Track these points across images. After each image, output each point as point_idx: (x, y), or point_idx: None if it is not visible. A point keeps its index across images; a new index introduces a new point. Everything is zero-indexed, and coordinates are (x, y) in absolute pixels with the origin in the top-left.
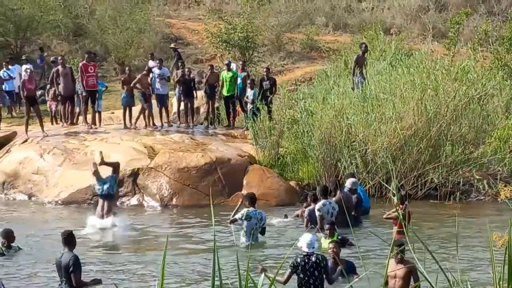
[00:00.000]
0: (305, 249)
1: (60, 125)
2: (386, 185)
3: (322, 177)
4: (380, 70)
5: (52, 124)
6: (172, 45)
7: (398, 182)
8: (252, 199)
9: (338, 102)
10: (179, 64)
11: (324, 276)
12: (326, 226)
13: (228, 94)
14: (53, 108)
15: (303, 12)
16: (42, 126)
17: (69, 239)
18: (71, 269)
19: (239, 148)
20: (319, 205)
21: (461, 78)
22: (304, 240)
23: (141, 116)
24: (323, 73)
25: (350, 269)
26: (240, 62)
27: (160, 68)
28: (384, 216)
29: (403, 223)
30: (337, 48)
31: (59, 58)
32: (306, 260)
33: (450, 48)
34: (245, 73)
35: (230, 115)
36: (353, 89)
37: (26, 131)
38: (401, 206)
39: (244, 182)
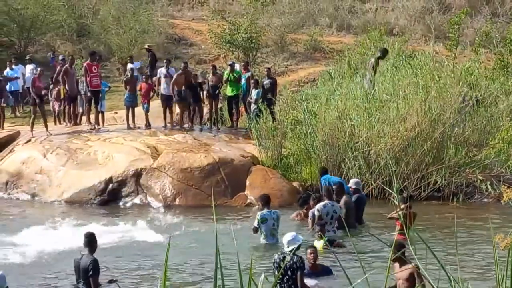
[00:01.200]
0: (285, 247)
1: (63, 125)
2: (387, 188)
3: None
4: (383, 71)
5: (55, 124)
6: (146, 45)
7: (401, 183)
8: (265, 200)
9: (341, 103)
10: (166, 62)
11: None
12: (317, 228)
13: (232, 95)
14: (56, 108)
15: (307, 13)
16: (46, 126)
17: (91, 241)
18: (90, 272)
19: (242, 148)
20: (319, 205)
21: (464, 79)
22: (286, 238)
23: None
24: (326, 74)
25: (327, 274)
26: (243, 63)
27: (167, 68)
28: (388, 216)
29: (404, 224)
30: (340, 49)
31: (70, 58)
32: (282, 258)
33: (451, 49)
34: (249, 74)
35: (233, 116)
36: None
37: (32, 130)
38: (403, 206)
39: (247, 182)
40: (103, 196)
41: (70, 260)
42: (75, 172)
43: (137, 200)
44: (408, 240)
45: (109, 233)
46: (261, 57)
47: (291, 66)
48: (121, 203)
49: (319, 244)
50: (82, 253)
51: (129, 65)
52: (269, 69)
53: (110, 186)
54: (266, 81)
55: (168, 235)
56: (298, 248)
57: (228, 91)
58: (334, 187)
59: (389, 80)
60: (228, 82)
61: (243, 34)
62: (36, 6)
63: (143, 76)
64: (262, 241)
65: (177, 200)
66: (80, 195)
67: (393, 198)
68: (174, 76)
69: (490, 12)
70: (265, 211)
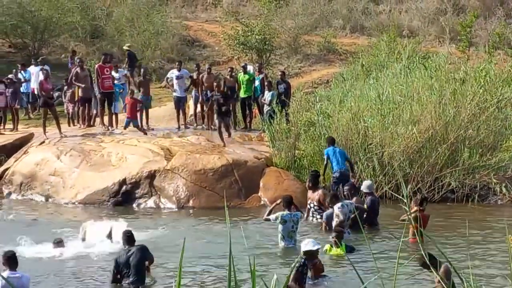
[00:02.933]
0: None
1: (77, 127)
2: (396, 194)
3: None
4: (397, 73)
5: (69, 126)
6: (125, 46)
7: (414, 185)
8: (288, 202)
9: (355, 105)
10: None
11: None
12: (333, 234)
13: (245, 96)
14: (70, 110)
15: (320, 14)
16: (59, 128)
17: (130, 237)
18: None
19: (255, 150)
20: (338, 206)
21: (479, 81)
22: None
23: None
24: (340, 75)
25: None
26: (257, 65)
27: (179, 70)
28: (400, 219)
29: (417, 226)
30: (354, 50)
31: (77, 60)
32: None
33: (463, 50)
34: (263, 75)
35: (247, 117)
36: None
37: (45, 132)
38: (419, 208)
39: (261, 184)
40: (116, 198)
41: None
42: (89, 173)
43: (150, 202)
44: (419, 243)
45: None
46: (274, 58)
47: (304, 68)
48: (134, 205)
49: (333, 250)
50: (126, 249)
51: (142, 69)
52: (283, 72)
53: (124, 187)
54: (281, 86)
55: (182, 237)
56: (313, 253)
57: (241, 92)
58: (345, 188)
59: (402, 81)
60: (241, 84)
61: (257, 36)
62: (50, 8)
63: (130, 92)
64: (280, 242)
65: (191, 201)
66: (93, 197)
67: (404, 204)
68: (204, 78)
69: (504, 14)
70: (286, 212)
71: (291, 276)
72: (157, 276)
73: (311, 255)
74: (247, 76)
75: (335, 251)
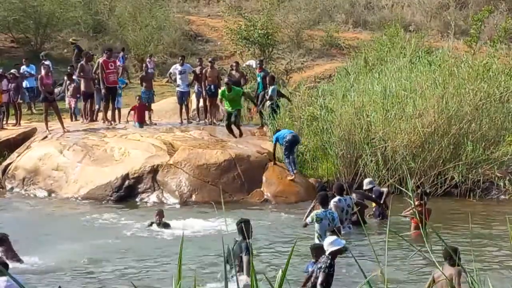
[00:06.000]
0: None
1: (79, 122)
2: (400, 187)
3: (341, 174)
4: (400, 67)
5: (71, 120)
6: (71, 39)
7: (417, 180)
8: (323, 200)
9: (357, 99)
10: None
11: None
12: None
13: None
14: (73, 105)
15: (323, 9)
16: (62, 123)
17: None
18: (244, 252)
19: (258, 145)
20: (334, 201)
21: (482, 75)
22: (327, 241)
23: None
24: (343, 70)
25: None
26: (258, 61)
27: (181, 64)
28: (402, 214)
29: (420, 220)
30: (357, 45)
31: (86, 54)
32: (328, 263)
33: (471, 45)
34: (264, 73)
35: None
36: None
37: (47, 127)
38: (420, 202)
39: (263, 179)
40: (119, 193)
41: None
42: (91, 168)
43: (153, 197)
44: (424, 237)
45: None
46: (277, 53)
47: (307, 63)
48: (137, 200)
49: None
50: (236, 239)
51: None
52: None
53: (127, 182)
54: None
55: (184, 231)
56: (340, 252)
57: (226, 106)
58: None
59: (406, 76)
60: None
61: (259, 31)
62: (52, 3)
63: (137, 98)
64: (316, 241)
65: (193, 196)
66: (96, 192)
67: (409, 198)
68: (207, 73)
69: (506, 8)
70: (321, 210)
71: (320, 280)
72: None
73: (336, 253)
74: (232, 95)
75: None
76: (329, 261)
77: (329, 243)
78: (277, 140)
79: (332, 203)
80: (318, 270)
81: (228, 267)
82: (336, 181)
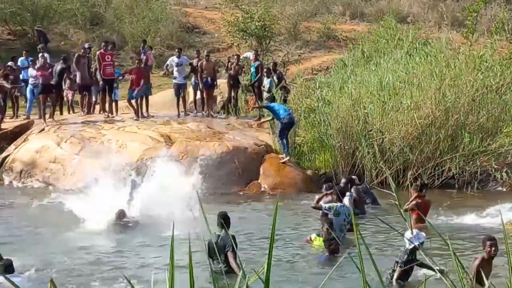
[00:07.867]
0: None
1: (77, 114)
2: (392, 183)
3: (339, 166)
4: (397, 59)
5: (69, 113)
6: (36, 27)
7: (415, 171)
8: (341, 194)
9: (355, 91)
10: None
11: None
12: (325, 225)
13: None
14: (70, 97)
15: (320, 1)
16: (53, 114)
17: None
18: (228, 248)
19: (255, 137)
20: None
21: (479, 67)
22: (408, 235)
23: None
24: (340, 62)
25: None
26: (254, 52)
27: (178, 57)
28: (403, 208)
29: (421, 213)
30: (354, 37)
31: (87, 45)
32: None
33: (468, 36)
34: (258, 63)
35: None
36: None
37: (44, 119)
38: (419, 193)
39: (261, 171)
40: None
41: None
42: (89, 160)
43: None
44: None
45: None
46: (274, 45)
47: (304, 54)
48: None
49: (320, 241)
50: (217, 233)
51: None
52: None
53: None
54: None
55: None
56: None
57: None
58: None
59: (403, 68)
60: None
61: (257, 23)
62: None
63: (137, 61)
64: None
65: None
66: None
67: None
68: (203, 65)
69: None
70: (340, 204)
71: (396, 274)
72: (150, 265)
73: (415, 249)
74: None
75: (320, 242)
76: (406, 256)
77: (411, 238)
78: (272, 108)
79: (346, 199)
80: (396, 264)
81: (214, 261)
82: (333, 173)
